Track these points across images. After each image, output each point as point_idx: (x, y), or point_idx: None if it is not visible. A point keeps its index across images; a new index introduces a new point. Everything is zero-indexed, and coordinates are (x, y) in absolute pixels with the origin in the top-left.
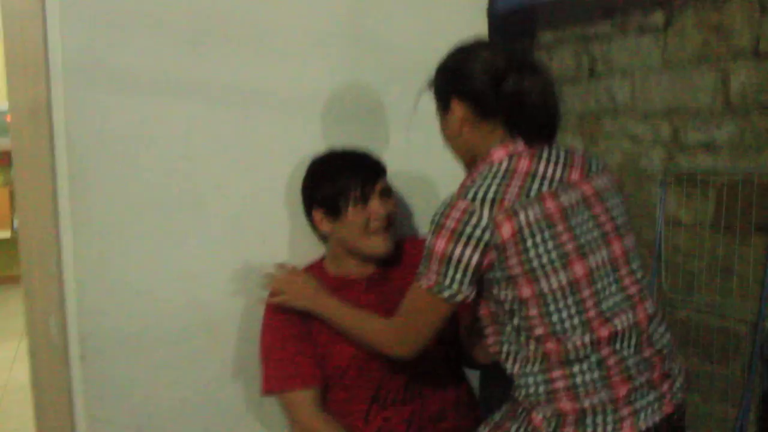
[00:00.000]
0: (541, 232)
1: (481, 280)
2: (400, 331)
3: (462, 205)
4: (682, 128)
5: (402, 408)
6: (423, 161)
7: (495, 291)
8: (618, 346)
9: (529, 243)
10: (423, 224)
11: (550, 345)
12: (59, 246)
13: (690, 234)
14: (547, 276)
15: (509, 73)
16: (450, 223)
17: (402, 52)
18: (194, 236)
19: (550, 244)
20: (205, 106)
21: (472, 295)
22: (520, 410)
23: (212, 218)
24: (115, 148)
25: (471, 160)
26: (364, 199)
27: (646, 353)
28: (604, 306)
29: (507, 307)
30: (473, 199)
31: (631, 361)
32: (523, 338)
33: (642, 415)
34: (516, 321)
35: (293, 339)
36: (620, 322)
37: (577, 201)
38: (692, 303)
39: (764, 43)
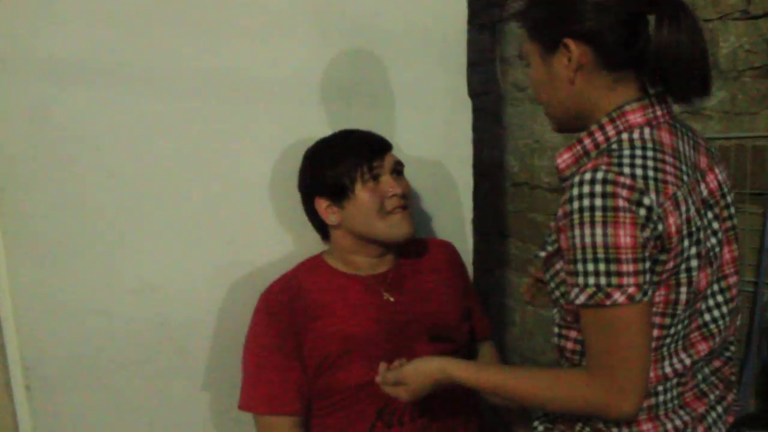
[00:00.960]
0: (698, 231)
1: None
2: (611, 377)
3: (624, 180)
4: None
5: (410, 426)
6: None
7: None
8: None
9: (686, 243)
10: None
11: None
12: None
13: None
14: (688, 283)
15: (657, 11)
16: (622, 203)
17: (373, 26)
18: (151, 243)
19: (698, 248)
20: (153, 97)
21: None
22: (580, 428)
23: (171, 222)
24: (49, 149)
25: (570, 119)
26: (375, 177)
27: (716, 364)
28: (707, 317)
29: None
30: (632, 175)
31: (700, 375)
32: None
33: (713, 431)
34: None
35: (278, 354)
36: (720, 340)
37: (706, 195)
38: None
39: (755, 3)
